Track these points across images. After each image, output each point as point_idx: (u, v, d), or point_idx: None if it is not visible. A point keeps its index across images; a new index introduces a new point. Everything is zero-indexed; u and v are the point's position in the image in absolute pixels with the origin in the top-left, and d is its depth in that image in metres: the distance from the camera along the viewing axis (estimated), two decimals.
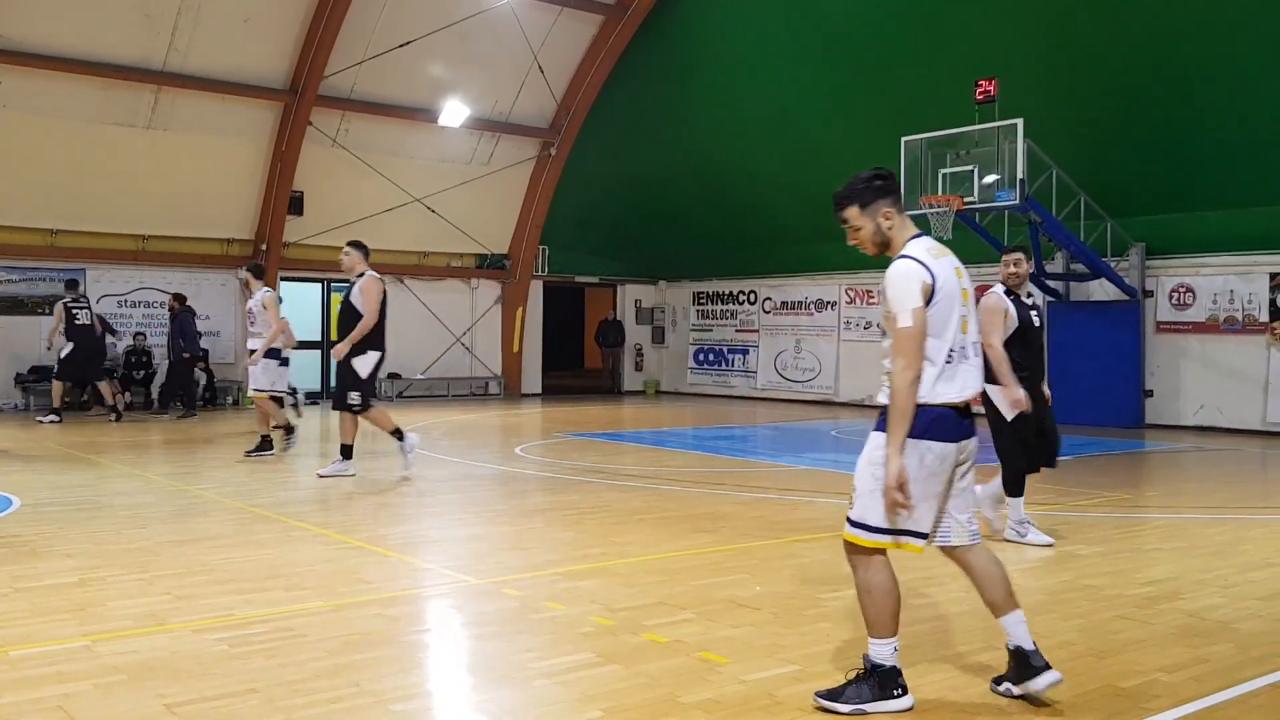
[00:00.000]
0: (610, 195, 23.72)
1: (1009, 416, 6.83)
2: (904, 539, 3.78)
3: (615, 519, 7.75)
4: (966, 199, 14.95)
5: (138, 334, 18.18)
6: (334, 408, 10.14)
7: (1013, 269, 6.92)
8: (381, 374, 20.94)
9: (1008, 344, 6.72)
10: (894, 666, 3.80)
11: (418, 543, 7.07)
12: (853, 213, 3.90)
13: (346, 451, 9.83)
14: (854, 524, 3.82)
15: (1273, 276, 15.40)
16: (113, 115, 17.53)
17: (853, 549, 3.85)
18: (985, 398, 6.98)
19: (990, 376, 6.96)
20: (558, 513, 8.04)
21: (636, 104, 22.18)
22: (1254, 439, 14.71)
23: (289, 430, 11.61)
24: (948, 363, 3.75)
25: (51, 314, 15.87)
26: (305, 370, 19.47)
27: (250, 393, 11.63)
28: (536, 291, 23.39)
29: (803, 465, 11.67)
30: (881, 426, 3.77)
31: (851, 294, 20.95)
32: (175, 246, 18.85)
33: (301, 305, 20.04)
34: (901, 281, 3.72)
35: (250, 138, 18.89)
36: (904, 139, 15.68)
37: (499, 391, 22.58)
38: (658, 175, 22.89)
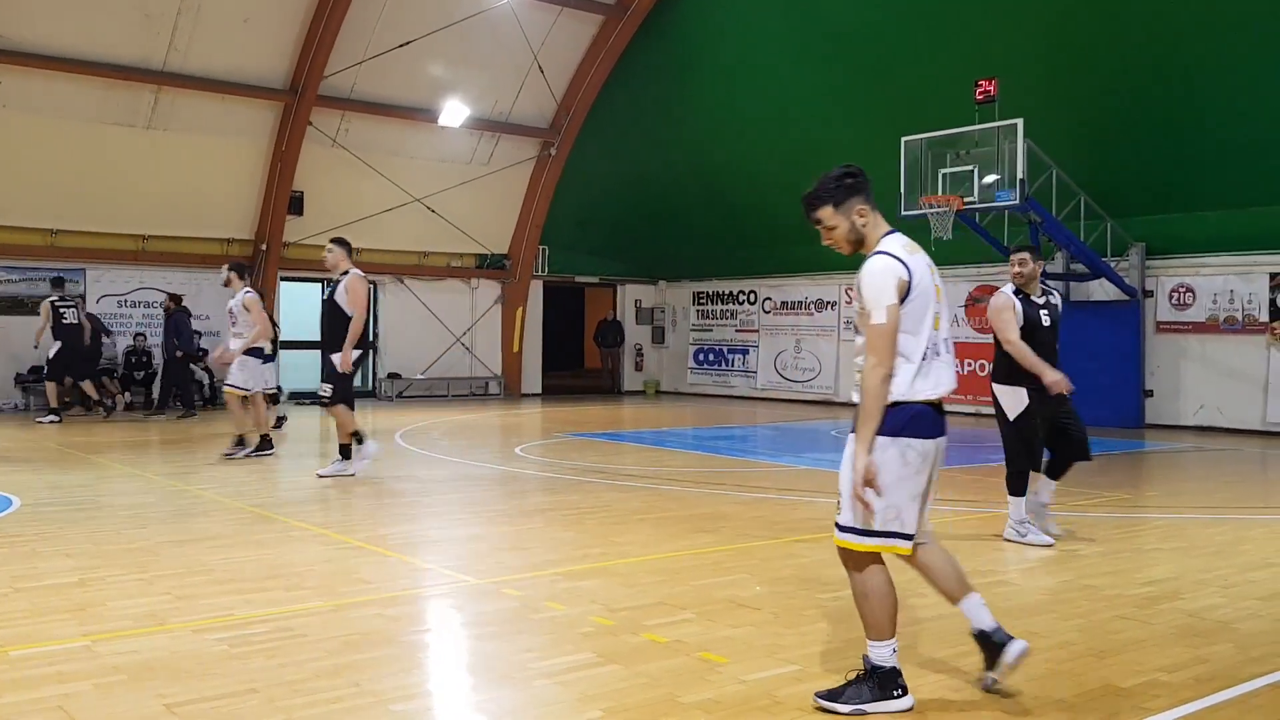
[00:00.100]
0: (610, 195, 23.72)
1: (1012, 416, 6.85)
2: (892, 541, 3.76)
3: (615, 519, 7.75)
4: (966, 199, 14.95)
5: (138, 334, 18.19)
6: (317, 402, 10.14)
7: (1016, 268, 6.94)
8: (382, 373, 21.18)
9: None
10: (894, 667, 3.80)
11: (418, 543, 7.07)
12: (826, 213, 3.85)
13: (345, 451, 9.83)
14: (844, 529, 3.79)
15: (1273, 276, 15.40)
16: (113, 115, 17.53)
17: (847, 554, 3.83)
18: (993, 396, 7.01)
19: (997, 376, 7.00)
20: (558, 513, 8.04)
21: (636, 104, 22.19)
22: (1254, 439, 14.71)
23: (242, 441, 11.16)
24: (924, 360, 3.73)
25: (31, 311, 15.90)
26: (306, 370, 19.46)
27: (225, 387, 11.51)
28: (536, 291, 23.39)
29: (803, 465, 11.67)
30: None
31: (851, 294, 20.90)
32: (175, 246, 18.85)
33: (302, 305, 20.05)
34: (878, 278, 3.69)
35: (250, 138, 18.89)
36: (904, 139, 15.68)
37: (499, 391, 22.58)
38: (658, 175, 22.89)
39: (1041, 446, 6.92)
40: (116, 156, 17.69)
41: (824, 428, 16.41)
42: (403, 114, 20.20)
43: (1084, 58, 16.07)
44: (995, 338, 6.98)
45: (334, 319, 9.69)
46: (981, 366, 17.58)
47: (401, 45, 18.79)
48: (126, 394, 17.62)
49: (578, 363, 31.35)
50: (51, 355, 15.39)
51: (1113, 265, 16.22)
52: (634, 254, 24.67)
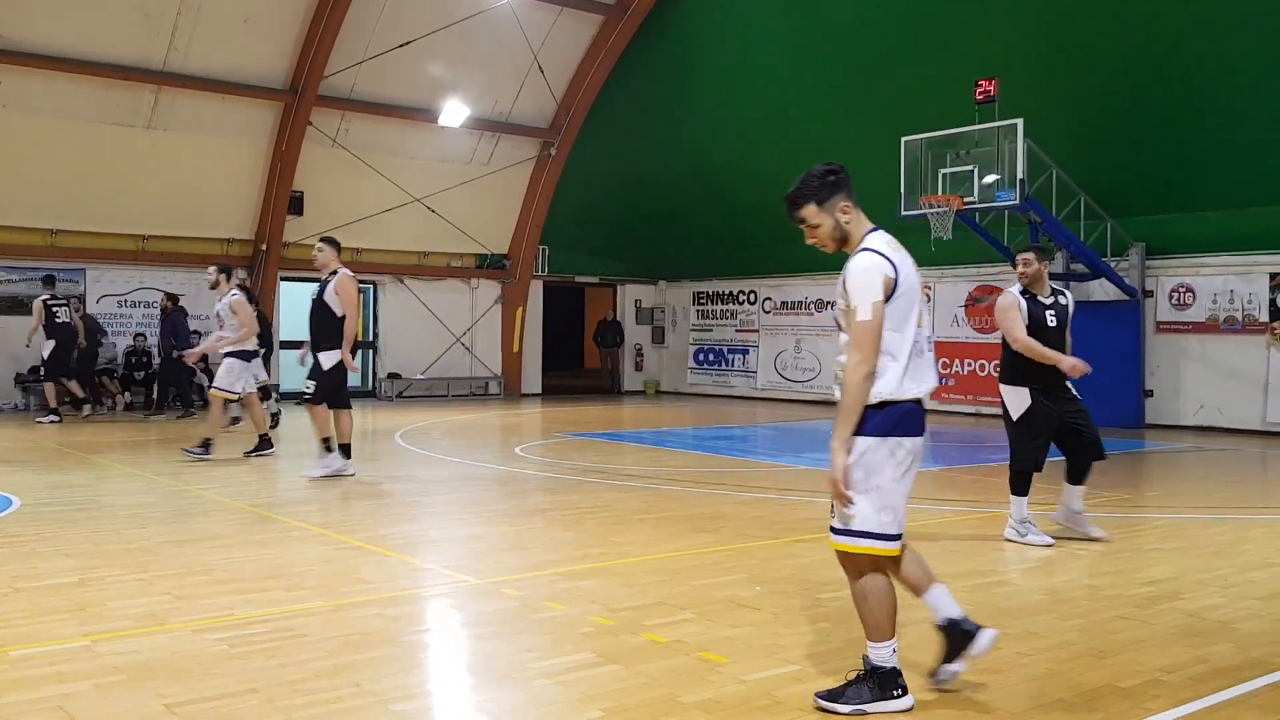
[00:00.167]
0: (610, 195, 23.72)
1: (1015, 416, 6.87)
2: (879, 543, 3.73)
3: (615, 519, 7.75)
4: (966, 199, 14.95)
5: (138, 334, 18.19)
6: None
7: (1021, 268, 6.95)
8: (382, 373, 21.14)
9: None
10: (894, 667, 3.80)
11: (418, 543, 7.07)
12: (810, 211, 3.86)
13: (345, 451, 9.83)
14: (839, 532, 3.78)
15: (1273, 276, 15.40)
16: (113, 115, 17.53)
17: (846, 556, 3.82)
18: (1000, 397, 7.03)
19: (1003, 376, 7.02)
20: (558, 513, 8.04)
21: (636, 104, 22.18)
22: (1254, 439, 14.71)
23: (206, 445, 10.87)
24: (910, 358, 3.72)
25: (30, 312, 15.85)
26: (306, 371, 19.41)
27: (210, 389, 11.48)
28: (536, 291, 23.39)
29: (803, 465, 11.66)
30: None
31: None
32: (175, 246, 18.85)
33: (301, 305, 19.78)
34: (865, 275, 3.68)
35: (250, 138, 18.89)
36: (904, 139, 15.68)
37: (499, 391, 22.58)
38: (658, 175, 22.89)
39: (1045, 447, 6.89)
40: (116, 156, 17.70)
41: (824, 428, 16.40)
42: (403, 114, 20.20)
43: (1084, 58, 16.07)
44: (1003, 338, 7.00)
45: (322, 318, 9.67)
46: (981, 367, 17.62)
47: (401, 45, 18.79)
48: (126, 394, 17.63)
49: (578, 363, 31.36)
50: (47, 355, 15.38)
51: (1113, 265, 16.22)
52: (634, 254, 24.67)
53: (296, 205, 19.36)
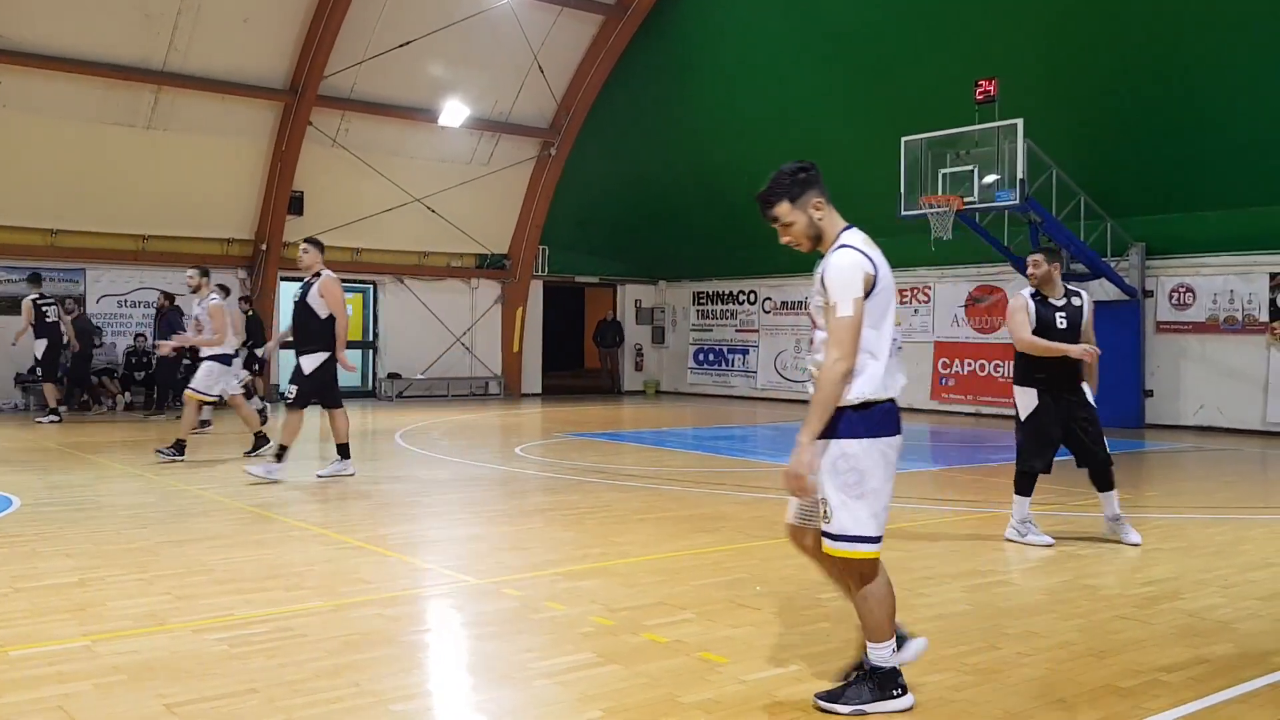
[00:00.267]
0: (610, 195, 23.72)
1: (1023, 416, 6.88)
2: (875, 546, 3.71)
3: (615, 519, 7.75)
4: (966, 199, 14.95)
5: (138, 334, 18.19)
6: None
7: (1031, 270, 6.95)
8: (381, 373, 21.15)
9: None
10: (893, 667, 3.80)
11: (418, 543, 7.07)
12: (783, 209, 3.81)
13: (344, 451, 9.82)
14: (833, 537, 3.75)
15: (1273, 276, 15.40)
16: (113, 115, 17.54)
17: (845, 563, 3.81)
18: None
19: (1015, 377, 7.03)
20: (558, 513, 8.04)
21: (636, 104, 22.19)
22: (1254, 439, 14.71)
23: (179, 446, 10.76)
24: (889, 356, 3.72)
25: (19, 312, 15.72)
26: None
27: (187, 390, 11.39)
28: (536, 291, 23.40)
29: None
30: (834, 431, 3.70)
31: None
32: (175, 246, 18.85)
33: None
34: (845, 272, 3.65)
35: (250, 138, 18.89)
36: (904, 139, 15.67)
37: (499, 391, 22.58)
38: (658, 175, 22.89)
39: (1051, 449, 6.86)
40: (116, 156, 17.70)
41: None
42: (403, 114, 20.21)
43: (1084, 58, 16.07)
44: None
45: (306, 320, 9.62)
46: (981, 367, 17.61)
47: (401, 45, 18.80)
48: (126, 394, 17.63)
49: (578, 363, 31.36)
50: (41, 355, 15.32)
51: (1113, 265, 16.23)
52: (634, 254, 24.67)
53: (296, 205, 19.36)
